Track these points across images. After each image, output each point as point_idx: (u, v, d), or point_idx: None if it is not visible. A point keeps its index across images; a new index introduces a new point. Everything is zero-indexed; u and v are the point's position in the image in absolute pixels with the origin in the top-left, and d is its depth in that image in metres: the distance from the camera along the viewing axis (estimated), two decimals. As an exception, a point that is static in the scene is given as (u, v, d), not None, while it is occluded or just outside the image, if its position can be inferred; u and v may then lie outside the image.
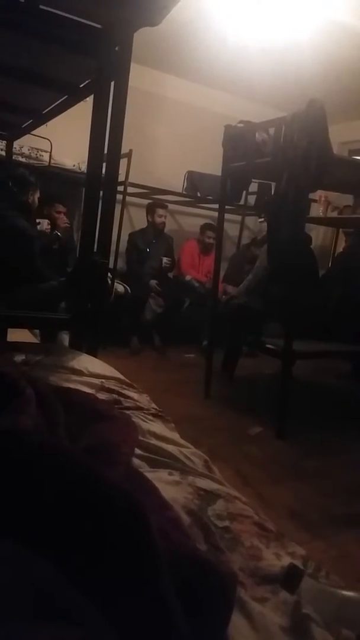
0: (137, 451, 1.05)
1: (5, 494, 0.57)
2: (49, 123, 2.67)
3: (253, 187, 4.43)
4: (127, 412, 1.26)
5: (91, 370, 1.55)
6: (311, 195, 3.28)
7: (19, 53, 1.78)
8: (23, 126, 2.92)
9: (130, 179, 3.96)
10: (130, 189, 4.09)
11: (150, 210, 4.51)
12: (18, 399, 0.94)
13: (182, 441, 1.21)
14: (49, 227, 3.48)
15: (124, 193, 3.94)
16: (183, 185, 4.75)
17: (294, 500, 1.93)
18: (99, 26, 1.60)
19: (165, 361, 4.05)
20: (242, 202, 4.37)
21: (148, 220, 4.53)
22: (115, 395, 1.41)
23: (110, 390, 1.43)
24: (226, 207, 3.27)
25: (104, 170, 1.75)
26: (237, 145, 2.89)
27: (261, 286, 3.10)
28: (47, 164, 3.87)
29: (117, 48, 1.65)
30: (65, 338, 2.48)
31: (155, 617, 0.51)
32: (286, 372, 2.62)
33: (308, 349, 2.73)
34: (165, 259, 4.46)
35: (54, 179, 3.73)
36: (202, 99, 4.99)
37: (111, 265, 2.75)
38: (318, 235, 5.39)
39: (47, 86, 2.07)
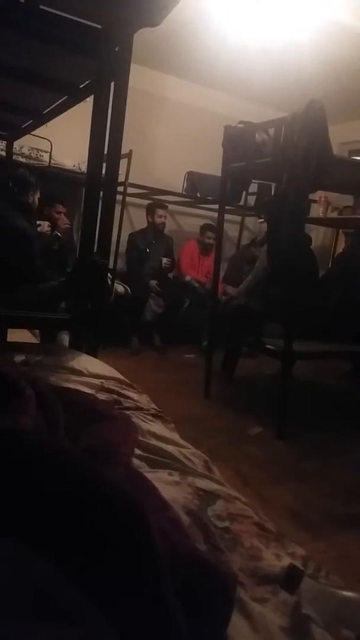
0: (137, 451, 1.05)
1: (5, 494, 0.57)
2: (49, 123, 2.67)
3: (253, 187, 4.42)
4: (127, 412, 1.26)
5: (91, 371, 1.55)
6: (311, 196, 3.28)
7: (19, 53, 1.78)
8: (23, 126, 2.92)
9: (130, 180, 3.96)
10: (130, 190, 4.09)
11: (150, 210, 4.51)
12: (18, 399, 0.94)
13: (181, 441, 1.20)
14: (49, 228, 3.48)
15: (124, 193, 3.94)
16: (183, 186, 4.75)
17: (294, 501, 1.93)
18: (99, 26, 1.61)
19: (165, 361, 4.05)
20: (242, 202, 4.37)
21: (148, 221, 4.53)
22: (115, 396, 1.41)
23: (110, 391, 1.43)
24: (226, 207, 3.27)
25: (104, 171, 1.75)
26: (237, 146, 2.89)
27: (261, 287, 3.10)
28: (47, 164, 3.87)
29: (117, 48, 1.65)
30: (65, 338, 2.48)
31: (155, 617, 0.51)
32: (286, 372, 2.62)
33: (308, 350, 2.73)
34: (165, 260, 4.46)
35: (54, 179, 3.73)
36: (202, 99, 5.00)
37: (111, 266, 2.76)
38: (318, 235, 5.40)
39: (47, 86, 2.07)
